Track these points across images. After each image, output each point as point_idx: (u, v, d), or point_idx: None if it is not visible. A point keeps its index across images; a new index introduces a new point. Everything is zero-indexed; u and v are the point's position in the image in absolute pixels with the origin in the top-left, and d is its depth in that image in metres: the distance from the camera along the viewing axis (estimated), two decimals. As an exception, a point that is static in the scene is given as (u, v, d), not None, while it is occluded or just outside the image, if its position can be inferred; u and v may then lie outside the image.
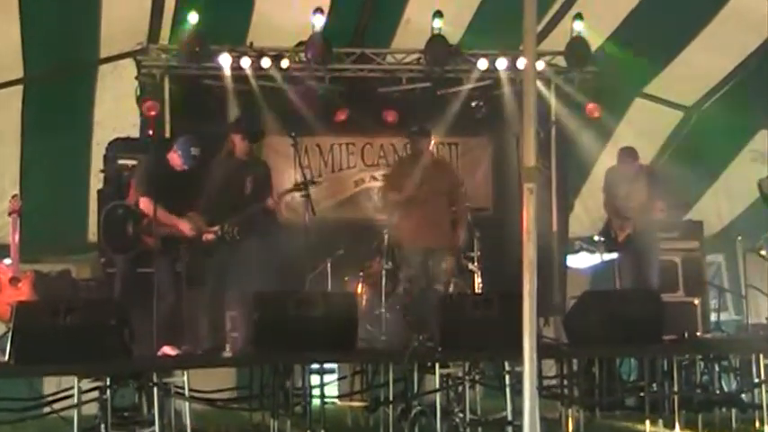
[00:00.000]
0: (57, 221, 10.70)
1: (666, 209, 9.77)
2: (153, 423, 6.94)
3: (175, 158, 8.25)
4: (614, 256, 10.25)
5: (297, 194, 9.01)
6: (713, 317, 10.81)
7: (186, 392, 7.20)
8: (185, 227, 8.07)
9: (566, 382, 8.15)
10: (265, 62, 10.40)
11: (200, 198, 8.33)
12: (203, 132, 8.94)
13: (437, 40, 10.56)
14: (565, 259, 11.52)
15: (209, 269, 8.45)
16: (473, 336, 7.55)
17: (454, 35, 10.74)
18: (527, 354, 4.55)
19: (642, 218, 9.69)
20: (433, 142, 9.74)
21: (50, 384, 7.72)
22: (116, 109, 10.77)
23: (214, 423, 8.11)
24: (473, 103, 11.11)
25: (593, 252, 11.71)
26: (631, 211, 9.75)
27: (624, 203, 9.81)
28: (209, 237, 8.25)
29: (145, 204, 8.01)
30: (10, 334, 6.82)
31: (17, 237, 8.88)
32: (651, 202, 9.69)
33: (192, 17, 9.84)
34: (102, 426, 6.83)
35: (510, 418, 7.64)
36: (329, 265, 9.80)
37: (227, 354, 7.87)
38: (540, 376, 7.79)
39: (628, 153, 9.92)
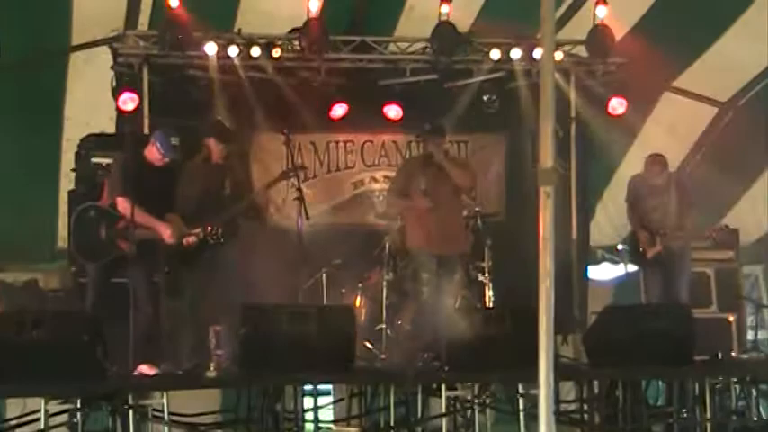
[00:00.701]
0: (22, 226, 10.68)
1: (698, 221, 9.80)
2: (128, 450, 6.95)
3: (154, 152, 8.24)
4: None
5: (290, 199, 9.03)
6: (750, 335, 10.81)
7: (165, 416, 7.20)
8: (166, 233, 8.07)
9: (586, 407, 8.14)
10: (255, 51, 10.40)
11: (178, 203, 8.34)
12: (186, 128, 8.95)
13: (445, 27, 10.56)
14: (585, 270, 11.52)
15: (190, 278, 8.46)
16: (483, 355, 7.55)
17: (464, 22, 10.75)
18: (543, 375, 4.54)
19: (673, 234, 9.68)
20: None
21: (14, 407, 7.71)
22: (89, 102, 10.78)
23: (196, 450, 8.11)
24: (484, 98, 11.11)
25: (616, 263, 11.73)
26: (662, 226, 9.73)
27: (653, 217, 9.80)
28: (191, 240, 8.26)
29: (122, 205, 7.99)
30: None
31: (-21, 243, 8.87)
32: (683, 215, 9.70)
33: (174, 0, 9.85)
34: (72, 453, 6.84)
35: (524, 445, 7.65)
36: (324, 275, 9.80)
37: (211, 373, 7.86)
38: (558, 400, 7.80)
39: (656, 161, 9.90)
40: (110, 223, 8.06)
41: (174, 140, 8.26)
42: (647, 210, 9.84)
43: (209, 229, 8.23)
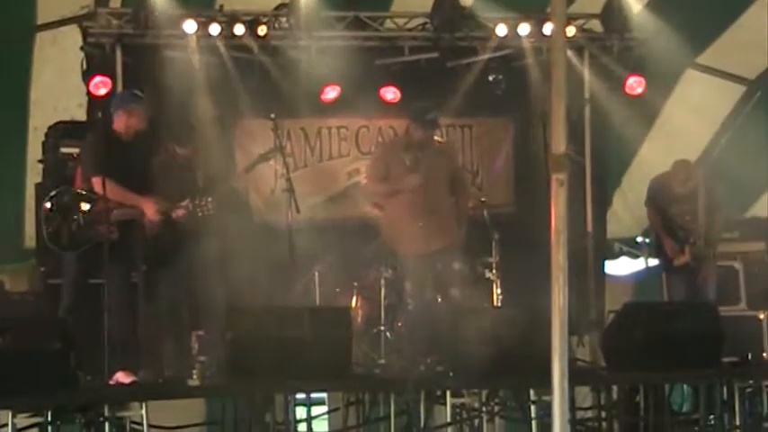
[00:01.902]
0: (-15, 223, 10.72)
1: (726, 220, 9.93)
2: (104, 466, 6.97)
3: (129, 119, 8.21)
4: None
5: (279, 190, 9.05)
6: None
7: (144, 428, 7.21)
8: (149, 207, 8.03)
9: (604, 415, 8.15)
10: (239, 29, 10.39)
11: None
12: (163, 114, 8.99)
13: (446, 1, 10.56)
14: (602, 265, 11.53)
15: (170, 278, 8.46)
16: (491, 358, 7.55)
17: (467, -5, 10.77)
18: (556, 380, 4.55)
19: (703, 245, 9.73)
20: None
21: (-20, 420, 7.72)
22: (58, 86, 10.77)
23: (178, 465, 8.13)
24: (490, 77, 11.11)
25: (636, 256, 11.72)
26: (690, 234, 9.78)
27: (679, 223, 9.84)
28: (180, 213, 8.24)
29: (99, 185, 7.96)
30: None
31: (-62, 242, 8.88)
32: (711, 221, 9.75)
33: (149, -26, 9.86)
34: (43, 469, 6.85)
35: (537, 457, 7.66)
36: (317, 273, 9.81)
37: (194, 382, 7.87)
38: (573, 407, 7.80)
39: (682, 169, 9.95)
40: (85, 208, 8.03)
41: (138, 92, 8.32)
42: (673, 216, 9.88)
43: (198, 200, 8.21)
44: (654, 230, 10.24)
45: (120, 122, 8.24)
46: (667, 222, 9.94)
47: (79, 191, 8.16)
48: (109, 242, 7.83)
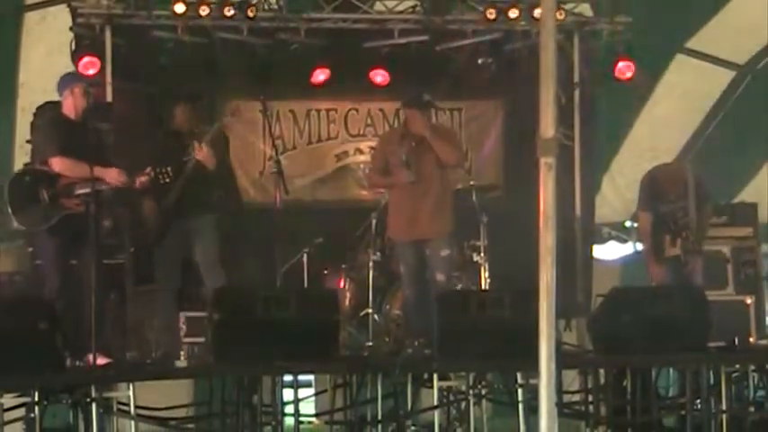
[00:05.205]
0: (-27, 203, 10.67)
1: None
2: (90, 447, 6.95)
3: (71, 102, 8.17)
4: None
5: (268, 172, 9.03)
6: (769, 319, 10.85)
7: (132, 410, 7.20)
8: (113, 174, 7.97)
9: (591, 398, 8.17)
10: (228, 10, 10.37)
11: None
12: (153, 94, 8.95)
13: (436, -16, 10.57)
14: (590, 249, 11.53)
15: (157, 259, 8.44)
16: (479, 341, 7.56)
17: (457, -23, 10.75)
18: (544, 363, 4.55)
19: (694, 237, 9.78)
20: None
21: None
22: (46, 67, 10.73)
23: (166, 446, 8.12)
24: (480, 61, 11.12)
25: (624, 241, 11.74)
26: (683, 228, 9.80)
27: (672, 218, 9.86)
28: (143, 179, 8.20)
29: (59, 165, 7.91)
30: None
31: (-75, 222, 8.84)
32: (701, 216, 9.79)
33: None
34: (29, 450, 6.83)
35: (523, 440, 7.67)
36: (305, 255, 9.80)
37: (182, 363, 7.87)
38: (560, 391, 7.81)
39: (675, 174, 9.96)
40: (49, 184, 7.98)
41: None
42: (666, 213, 9.88)
43: (159, 168, 8.18)
44: (647, 224, 10.21)
45: (68, 104, 8.21)
46: (659, 218, 9.92)
47: (40, 170, 8.08)
48: (80, 220, 7.80)
